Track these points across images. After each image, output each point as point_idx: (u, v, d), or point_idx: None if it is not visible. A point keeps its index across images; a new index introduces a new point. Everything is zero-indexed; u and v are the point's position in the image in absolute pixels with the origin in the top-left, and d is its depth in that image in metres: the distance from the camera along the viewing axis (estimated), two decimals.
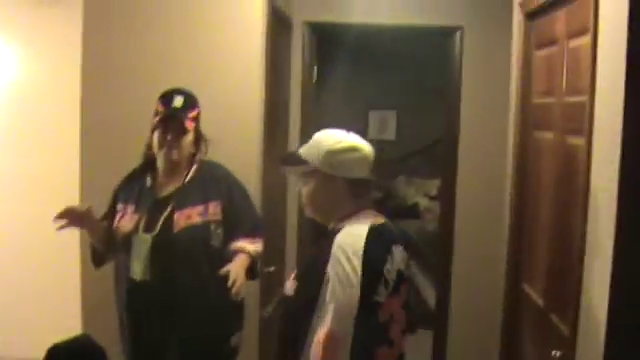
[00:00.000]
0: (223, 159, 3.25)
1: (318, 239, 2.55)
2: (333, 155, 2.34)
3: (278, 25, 4.30)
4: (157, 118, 3.00)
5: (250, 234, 3.10)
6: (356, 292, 2.18)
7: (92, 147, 3.70)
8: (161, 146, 3.00)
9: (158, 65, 3.68)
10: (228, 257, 2.99)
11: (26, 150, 3.80)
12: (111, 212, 3.14)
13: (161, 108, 3.00)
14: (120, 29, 3.72)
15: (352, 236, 2.27)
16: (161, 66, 3.67)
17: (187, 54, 3.70)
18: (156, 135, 3.01)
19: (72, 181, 3.66)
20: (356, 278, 2.18)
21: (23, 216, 3.78)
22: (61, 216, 2.86)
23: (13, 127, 3.81)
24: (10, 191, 3.80)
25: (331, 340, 2.16)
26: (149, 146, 3.10)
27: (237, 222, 3.07)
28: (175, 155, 3.00)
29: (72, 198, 3.55)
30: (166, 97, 3.02)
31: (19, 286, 3.82)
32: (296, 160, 2.42)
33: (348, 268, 2.19)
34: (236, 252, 3.02)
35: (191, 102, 3.05)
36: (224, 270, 2.87)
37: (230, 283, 2.85)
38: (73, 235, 3.41)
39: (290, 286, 2.37)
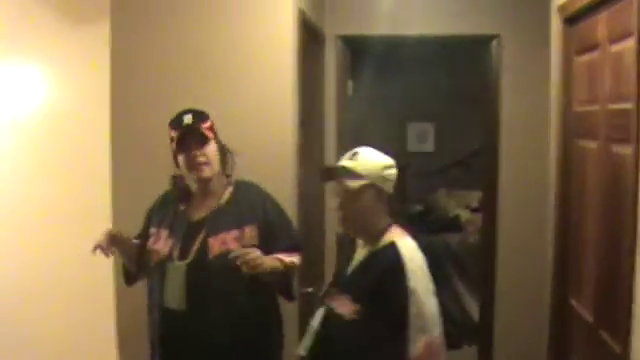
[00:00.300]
0: (257, 175, 3.17)
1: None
2: (386, 170, 2.49)
3: (311, 39, 4.26)
4: (174, 142, 2.91)
5: (286, 250, 2.98)
6: (435, 300, 2.37)
7: (123, 168, 3.66)
8: (190, 166, 2.90)
9: (187, 82, 3.63)
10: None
11: (57, 171, 3.77)
12: (144, 234, 3.05)
13: (174, 132, 2.92)
14: (148, 47, 3.68)
15: (413, 250, 2.43)
16: (190, 83, 3.63)
17: (217, 70, 3.65)
18: (181, 158, 2.92)
19: (104, 202, 3.62)
20: (433, 287, 2.38)
21: (55, 238, 3.75)
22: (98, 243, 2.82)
23: (43, 149, 3.78)
24: (41, 214, 3.77)
25: (434, 348, 2.33)
26: (174, 177, 3.03)
27: (274, 243, 2.95)
28: (207, 172, 2.90)
29: (104, 219, 3.52)
30: (175, 120, 2.94)
31: (52, 309, 3.78)
32: (351, 175, 2.46)
33: (427, 279, 2.37)
34: None
35: (201, 116, 2.95)
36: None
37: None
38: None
39: (346, 309, 2.42)
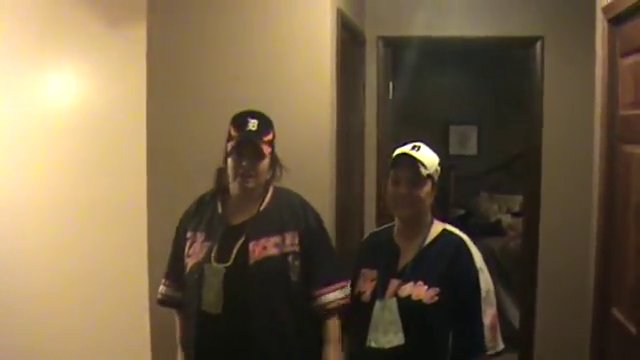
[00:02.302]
0: (294, 176, 3.09)
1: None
2: (438, 167, 2.70)
3: (351, 40, 4.22)
4: (231, 143, 2.80)
5: (332, 278, 2.88)
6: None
7: (159, 169, 3.66)
8: (236, 174, 2.80)
9: (225, 85, 3.62)
10: (314, 310, 2.84)
11: (93, 173, 3.77)
12: (182, 241, 2.95)
13: (235, 132, 2.81)
14: (184, 49, 3.69)
15: (464, 234, 2.70)
16: (228, 86, 3.61)
17: (254, 71, 3.64)
18: (231, 162, 2.81)
19: (139, 204, 3.62)
20: None
21: (91, 241, 3.76)
22: None
23: (80, 151, 3.80)
24: (77, 215, 3.78)
25: (496, 318, 2.58)
26: (220, 171, 2.92)
27: (315, 258, 2.87)
28: (252, 183, 2.81)
29: (140, 221, 3.53)
30: (239, 120, 2.83)
31: (86, 309, 3.79)
32: (420, 163, 2.63)
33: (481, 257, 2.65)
34: (323, 309, 2.85)
35: (266, 125, 2.84)
36: None
37: None
38: (141, 259, 3.39)
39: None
